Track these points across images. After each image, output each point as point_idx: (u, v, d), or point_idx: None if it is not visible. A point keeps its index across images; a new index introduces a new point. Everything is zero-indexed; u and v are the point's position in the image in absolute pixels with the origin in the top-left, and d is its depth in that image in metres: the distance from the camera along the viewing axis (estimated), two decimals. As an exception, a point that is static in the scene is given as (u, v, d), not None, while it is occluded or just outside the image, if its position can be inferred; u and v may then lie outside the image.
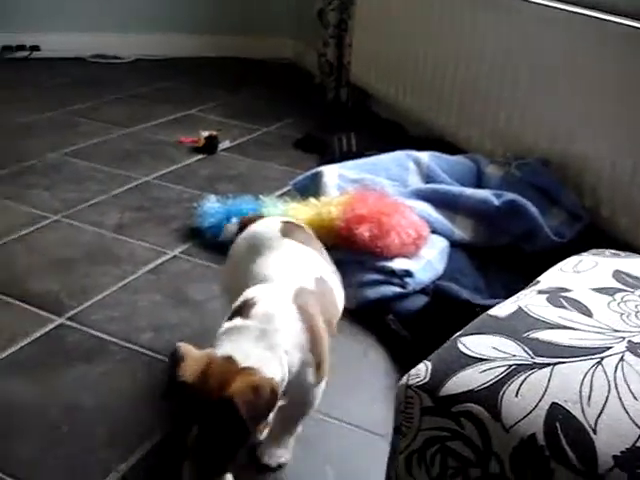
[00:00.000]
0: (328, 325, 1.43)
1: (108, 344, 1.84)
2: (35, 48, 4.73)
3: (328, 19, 4.08)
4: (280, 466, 1.46)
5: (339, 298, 1.56)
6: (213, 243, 2.35)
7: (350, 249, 2.12)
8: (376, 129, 3.54)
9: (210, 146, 3.17)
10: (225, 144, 3.25)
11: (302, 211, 2.23)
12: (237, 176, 2.95)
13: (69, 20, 4.70)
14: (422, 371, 1.02)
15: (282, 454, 1.47)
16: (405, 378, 1.03)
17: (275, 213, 2.25)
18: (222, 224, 2.34)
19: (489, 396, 0.95)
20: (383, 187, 2.38)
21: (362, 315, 2.03)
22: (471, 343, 1.06)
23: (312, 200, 2.29)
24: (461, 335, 1.09)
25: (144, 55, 4.80)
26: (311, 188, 2.43)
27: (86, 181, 2.83)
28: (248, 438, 1.17)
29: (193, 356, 1.21)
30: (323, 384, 1.41)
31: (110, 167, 2.98)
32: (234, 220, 2.31)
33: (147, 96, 4.00)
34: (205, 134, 3.22)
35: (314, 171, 2.50)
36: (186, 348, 1.23)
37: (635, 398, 0.92)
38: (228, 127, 3.48)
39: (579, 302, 1.14)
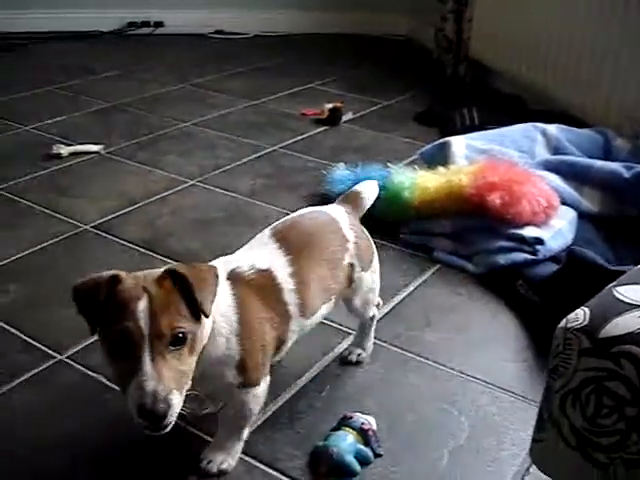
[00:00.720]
0: (272, 325, 1.37)
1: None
2: (159, 24, 4.90)
3: (447, -6, 4.08)
4: (221, 472, 1.39)
5: (289, 300, 1.41)
6: (343, 209, 2.41)
7: (480, 216, 2.15)
8: (496, 104, 3.54)
9: (333, 118, 3.25)
10: (348, 116, 3.31)
11: (431, 179, 2.28)
12: (361, 147, 3.01)
13: (191, -3, 4.85)
14: (580, 315, 1.07)
15: (224, 459, 1.40)
16: (564, 322, 1.07)
17: (404, 180, 2.31)
18: (352, 191, 2.39)
19: (649, 339, 0.98)
20: (511, 157, 2.40)
21: (492, 280, 2.07)
22: (627, 292, 1.09)
23: (441, 168, 2.32)
24: (616, 285, 1.13)
25: (262, 32, 4.90)
26: (438, 157, 2.48)
27: (218, 149, 2.95)
28: (197, 303, 1.14)
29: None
30: (257, 392, 1.35)
31: (239, 136, 3.09)
32: (364, 187, 2.37)
33: (267, 70, 4.11)
34: (329, 106, 3.30)
35: (442, 141, 2.54)
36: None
37: None
38: (349, 100, 3.55)
39: None
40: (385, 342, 1.81)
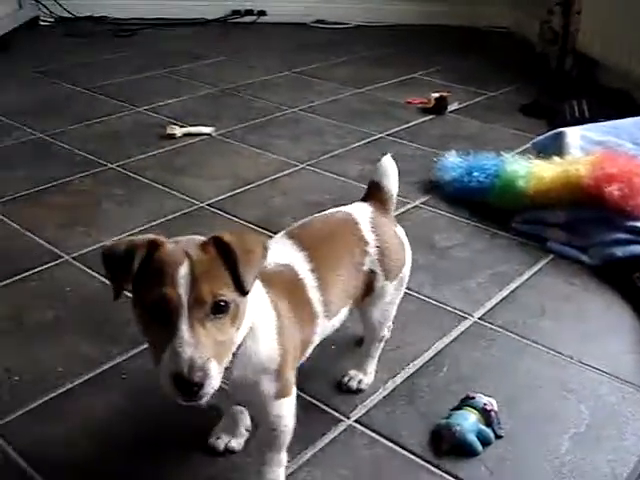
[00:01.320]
0: (300, 326, 1.28)
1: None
2: (262, 13, 4.98)
3: (555, -14, 4.01)
4: None
5: (314, 300, 1.32)
6: (454, 196, 2.42)
7: (597, 208, 2.12)
8: (603, 98, 3.47)
9: (440, 107, 3.25)
10: (453, 106, 3.31)
11: (547, 168, 2.26)
12: (468, 136, 3.00)
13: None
14: None
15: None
16: None
17: (518, 169, 2.30)
18: (463, 178, 2.40)
19: None
20: (627, 150, 2.36)
21: (606, 272, 2.05)
22: None
23: (556, 158, 2.30)
24: None
25: (364, 22, 4.92)
26: (552, 148, 2.45)
27: (325, 134, 2.99)
28: (239, 276, 1.04)
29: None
30: (290, 402, 1.24)
31: (345, 123, 3.12)
32: (475, 174, 2.38)
33: (371, 60, 4.13)
34: (435, 95, 3.31)
35: (556, 131, 2.52)
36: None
37: None
38: (453, 91, 3.54)
39: None
40: (501, 328, 1.81)
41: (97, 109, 3.19)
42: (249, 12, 4.97)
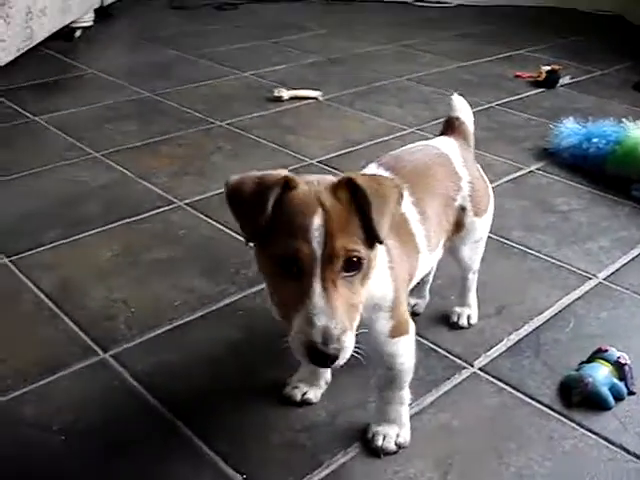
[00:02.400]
0: (406, 259, 1.20)
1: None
2: (363, -9, 4.92)
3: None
4: (400, 447, 1.25)
5: (417, 237, 1.25)
6: (571, 163, 2.33)
7: None
8: None
9: (551, 80, 3.15)
10: (565, 80, 3.20)
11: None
12: (581, 109, 2.89)
13: (398, -35, 4.83)
14: None
15: (398, 433, 1.26)
16: None
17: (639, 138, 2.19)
18: (582, 145, 2.31)
19: None
20: None
21: None
22: None
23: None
24: None
25: (466, 1, 4.82)
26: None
27: (433, 102, 2.94)
28: (372, 224, 0.95)
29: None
30: (409, 340, 1.18)
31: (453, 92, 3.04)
32: (595, 141, 2.28)
33: (475, 36, 4.04)
34: (546, 68, 3.21)
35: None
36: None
37: None
38: (563, 66, 3.41)
39: None
40: (627, 289, 1.72)
41: (203, 73, 3.20)
42: (351, -11, 4.92)
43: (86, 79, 3.12)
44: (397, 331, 1.15)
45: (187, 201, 2.06)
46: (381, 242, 0.97)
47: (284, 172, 0.97)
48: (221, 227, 1.92)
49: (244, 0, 4.70)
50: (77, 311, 1.57)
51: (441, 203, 1.32)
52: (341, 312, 0.92)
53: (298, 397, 1.35)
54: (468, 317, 1.57)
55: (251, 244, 0.98)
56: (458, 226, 1.38)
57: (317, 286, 0.91)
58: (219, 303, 1.61)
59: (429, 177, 1.31)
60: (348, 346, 0.92)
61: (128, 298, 1.62)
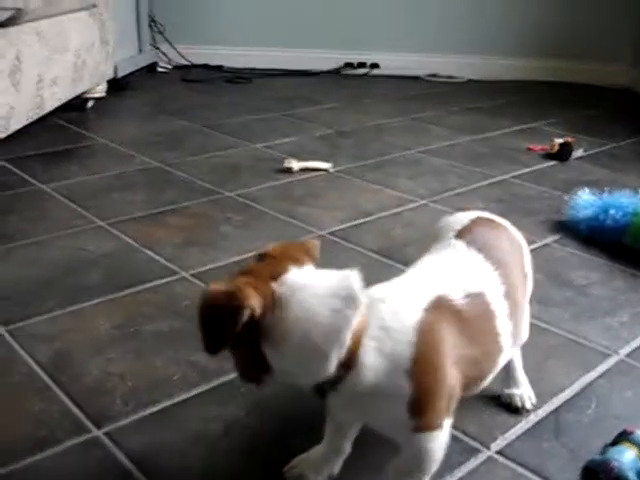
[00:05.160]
0: (470, 364, 1.10)
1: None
2: (375, 66, 4.97)
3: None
4: None
5: (503, 337, 1.17)
6: (587, 236, 2.27)
7: None
8: None
9: (564, 153, 3.12)
10: (578, 153, 3.17)
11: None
12: (595, 182, 2.85)
13: (408, 41, 4.89)
14: None
15: None
16: None
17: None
18: (598, 216, 2.26)
19: None
20: None
21: None
22: None
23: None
24: None
25: (477, 77, 4.85)
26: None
27: (446, 174, 2.90)
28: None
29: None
30: (437, 437, 1.07)
31: (466, 165, 3.03)
32: (612, 212, 2.23)
33: (486, 110, 4.05)
34: (559, 141, 3.19)
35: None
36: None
37: None
38: (576, 139, 3.39)
39: None
40: (653, 366, 1.63)
41: (214, 144, 3.19)
42: (362, 65, 4.98)
43: (96, 149, 3.10)
44: (422, 427, 1.05)
45: (192, 272, 2.00)
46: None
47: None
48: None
49: (256, 74, 4.74)
50: (71, 384, 1.50)
51: (523, 282, 1.27)
52: None
53: (293, 478, 1.25)
54: (529, 397, 1.47)
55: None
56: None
57: None
58: (220, 379, 1.54)
59: (513, 257, 1.26)
60: None
61: (126, 372, 1.55)
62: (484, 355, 1.13)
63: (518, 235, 1.35)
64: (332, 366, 1.00)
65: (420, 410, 1.04)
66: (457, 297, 1.09)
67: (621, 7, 4.69)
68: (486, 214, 1.37)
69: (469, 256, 1.18)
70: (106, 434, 1.36)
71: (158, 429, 1.38)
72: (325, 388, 1.03)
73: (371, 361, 1.00)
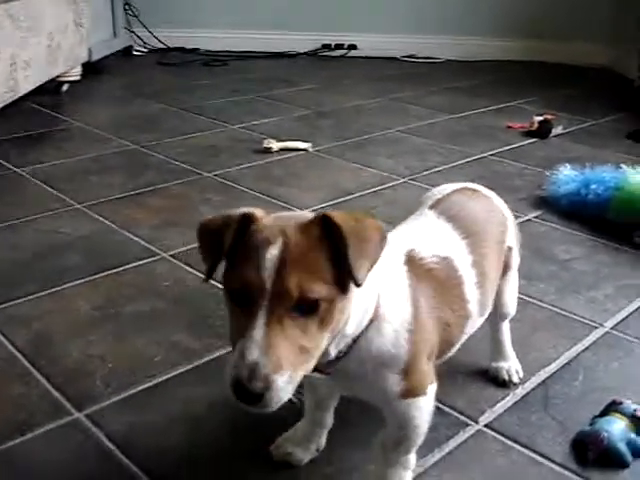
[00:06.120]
0: (442, 328, 1.09)
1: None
2: (352, 47, 4.94)
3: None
4: None
5: (471, 304, 1.15)
6: (569, 211, 2.26)
7: None
8: None
9: (544, 130, 3.11)
10: (558, 130, 3.16)
11: (675, 180, 2.09)
12: (576, 158, 2.83)
13: (386, 22, 4.85)
14: None
15: None
16: None
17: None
18: (580, 191, 2.24)
19: None
20: None
21: None
22: None
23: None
24: None
25: (454, 57, 4.83)
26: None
27: (426, 153, 2.88)
28: (349, 265, 0.86)
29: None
30: (423, 402, 1.06)
31: (445, 144, 3.01)
32: (593, 187, 2.22)
33: (464, 90, 4.03)
34: (539, 118, 3.18)
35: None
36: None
37: None
38: (556, 117, 3.38)
39: None
40: (637, 339, 1.63)
41: (191, 126, 3.15)
42: (339, 46, 4.95)
43: (71, 132, 3.05)
44: (409, 392, 1.04)
45: (172, 252, 1.97)
46: (358, 285, 0.87)
47: (248, 209, 0.92)
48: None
49: (233, 56, 4.68)
50: (51, 367, 1.47)
51: (497, 253, 1.24)
52: (280, 351, 0.83)
53: (280, 456, 1.23)
54: (516, 371, 1.46)
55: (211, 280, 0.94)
56: (505, 269, 1.31)
57: (260, 320, 0.84)
58: (202, 359, 1.51)
59: (488, 226, 1.24)
60: (280, 388, 0.83)
61: (106, 353, 1.52)
62: (453, 320, 1.11)
63: (503, 207, 1.33)
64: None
65: (409, 372, 1.02)
66: (427, 257, 1.09)
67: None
68: (474, 185, 1.35)
69: (437, 224, 1.18)
70: (87, 416, 1.34)
71: (140, 410, 1.35)
72: (339, 356, 0.99)
73: (388, 313, 0.99)
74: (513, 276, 1.36)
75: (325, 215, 0.88)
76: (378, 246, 0.90)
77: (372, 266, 0.88)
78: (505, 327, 1.46)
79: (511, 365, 1.46)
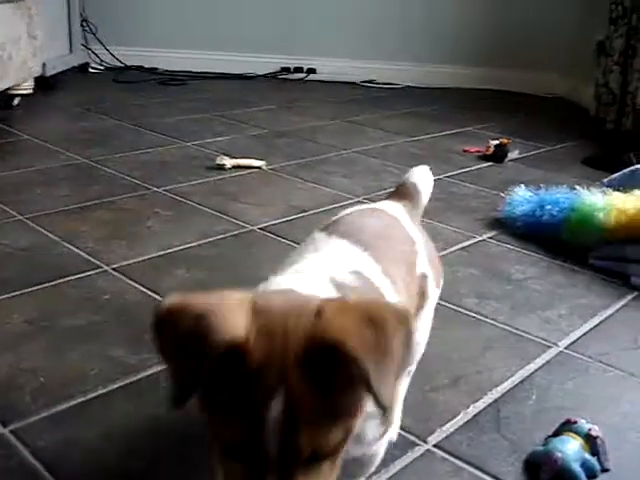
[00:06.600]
0: None
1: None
2: (312, 71, 4.92)
3: (613, 46, 3.92)
4: None
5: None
6: (524, 232, 2.24)
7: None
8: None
9: (499, 154, 3.10)
10: (514, 154, 3.16)
11: (629, 200, 2.08)
12: (531, 181, 2.81)
13: (346, 46, 4.85)
14: None
15: None
16: None
17: (597, 202, 2.12)
18: (535, 212, 2.22)
19: None
20: None
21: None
22: None
23: (638, 191, 2.12)
24: None
25: (414, 83, 4.83)
26: (629, 183, 2.27)
27: (381, 173, 2.85)
28: (372, 394, 0.68)
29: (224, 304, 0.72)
30: (391, 432, 1.02)
31: (401, 165, 2.98)
32: (548, 208, 2.20)
33: (422, 115, 4.02)
34: (495, 142, 3.18)
35: (632, 168, 2.35)
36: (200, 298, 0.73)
37: None
38: (511, 141, 3.38)
39: None
40: (591, 358, 1.59)
41: (143, 142, 3.08)
42: (298, 69, 4.92)
43: (20, 145, 2.96)
44: (387, 427, 0.96)
45: (115, 266, 1.89)
46: (386, 410, 0.70)
47: (235, 336, 0.68)
48: (150, 293, 1.76)
49: (191, 76, 4.63)
50: (-23, 381, 1.37)
51: (407, 271, 1.09)
52: None
53: None
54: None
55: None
56: (421, 298, 1.15)
57: None
58: (139, 374, 1.43)
59: (390, 242, 1.10)
60: None
61: (38, 367, 1.43)
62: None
63: (411, 230, 1.18)
64: None
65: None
66: (345, 275, 0.93)
67: (553, 18, 4.72)
68: (382, 205, 1.24)
69: (333, 243, 1.04)
70: (12, 432, 1.24)
71: (70, 426, 1.27)
72: None
73: None
74: (427, 314, 1.19)
75: (336, 344, 0.68)
76: (404, 345, 0.72)
77: (397, 376, 0.72)
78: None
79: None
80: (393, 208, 1.22)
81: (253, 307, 0.72)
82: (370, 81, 4.89)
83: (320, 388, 0.69)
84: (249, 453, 0.69)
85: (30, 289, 1.75)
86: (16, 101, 3.52)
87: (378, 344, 0.69)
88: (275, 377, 0.68)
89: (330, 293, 0.87)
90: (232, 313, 0.70)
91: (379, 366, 0.67)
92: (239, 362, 0.68)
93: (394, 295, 0.99)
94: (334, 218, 1.15)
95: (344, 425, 0.71)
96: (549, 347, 1.63)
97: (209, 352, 0.67)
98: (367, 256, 1.02)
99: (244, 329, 0.69)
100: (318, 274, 0.92)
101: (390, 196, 1.34)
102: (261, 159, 2.84)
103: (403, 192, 1.33)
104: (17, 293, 1.72)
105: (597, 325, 1.75)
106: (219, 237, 2.11)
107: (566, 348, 1.63)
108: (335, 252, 1.02)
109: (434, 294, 1.20)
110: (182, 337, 0.69)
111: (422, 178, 1.39)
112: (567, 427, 1.27)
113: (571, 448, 1.22)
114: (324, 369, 0.69)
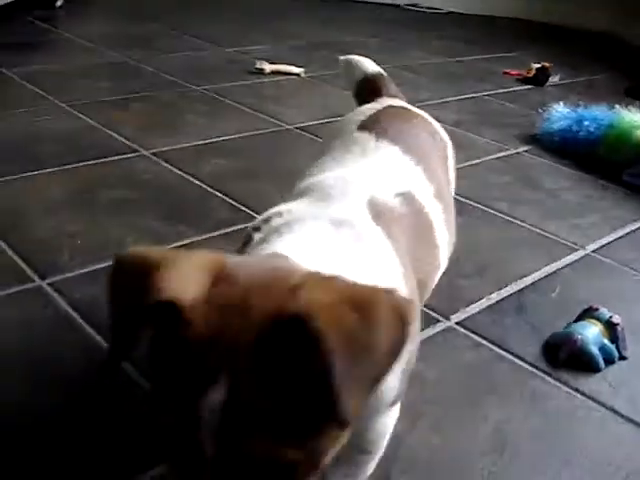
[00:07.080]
0: (418, 286, 0.82)
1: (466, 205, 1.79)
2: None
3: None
4: None
5: (441, 239, 0.90)
6: (560, 147, 2.24)
7: None
8: None
9: (540, 77, 3.06)
10: (555, 79, 3.12)
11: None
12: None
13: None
14: None
15: None
16: None
17: (634, 120, 2.10)
18: (572, 128, 2.21)
19: None
20: None
21: None
22: None
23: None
24: None
25: (457, 9, 4.76)
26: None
27: (419, 88, 2.83)
28: (332, 396, 0.50)
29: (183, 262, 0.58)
30: (396, 410, 0.83)
31: (439, 82, 2.96)
32: (586, 124, 2.19)
33: (462, 38, 3.98)
34: (536, 65, 3.13)
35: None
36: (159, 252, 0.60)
37: None
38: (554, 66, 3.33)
39: None
40: (618, 263, 1.61)
41: (184, 46, 3.11)
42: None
43: (63, 43, 2.99)
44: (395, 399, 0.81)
45: (154, 150, 1.93)
46: (346, 425, 0.53)
47: (177, 295, 0.54)
48: (187, 176, 1.79)
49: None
50: (19, 241, 1.43)
51: (446, 182, 1.01)
52: None
53: None
54: None
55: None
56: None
57: None
58: (174, 243, 1.47)
59: (436, 152, 1.01)
60: None
61: (77, 232, 1.48)
62: (428, 277, 0.90)
63: (440, 130, 1.11)
64: None
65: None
66: (390, 200, 0.83)
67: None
68: (398, 102, 1.13)
69: (381, 149, 0.92)
70: (49, 284, 1.29)
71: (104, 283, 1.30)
72: None
73: None
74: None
75: (299, 315, 0.51)
76: (392, 350, 0.54)
77: (374, 386, 0.54)
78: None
79: None
80: (411, 107, 1.11)
81: (217, 272, 0.57)
82: (414, 5, 4.82)
83: (278, 380, 0.52)
84: (181, 448, 0.55)
85: (72, 165, 1.79)
86: (59, 2, 3.53)
87: (359, 335, 0.52)
88: (219, 357, 0.52)
89: (364, 223, 0.75)
90: (185, 274, 0.56)
91: (352, 362, 0.50)
92: (181, 334, 0.54)
93: (442, 223, 0.89)
94: (368, 113, 1.02)
95: (310, 440, 0.54)
96: (576, 250, 1.65)
97: (140, 310, 0.55)
98: (420, 172, 0.91)
99: (193, 294, 0.54)
100: (354, 194, 0.79)
101: (375, 93, 1.20)
102: (300, 66, 2.83)
103: (378, 86, 1.22)
104: (60, 168, 1.76)
105: (627, 234, 1.75)
106: (256, 132, 2.14)
107: (594, 252, 1.65)
108: (384, 163, 0.89)
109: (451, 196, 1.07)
110: (122, 290, 0.59)
111: (365, 63, 1.29)
112: (589, 314, 1.29)
113: (591, 332, 1.25)
114: (286, 354, 0.52)
